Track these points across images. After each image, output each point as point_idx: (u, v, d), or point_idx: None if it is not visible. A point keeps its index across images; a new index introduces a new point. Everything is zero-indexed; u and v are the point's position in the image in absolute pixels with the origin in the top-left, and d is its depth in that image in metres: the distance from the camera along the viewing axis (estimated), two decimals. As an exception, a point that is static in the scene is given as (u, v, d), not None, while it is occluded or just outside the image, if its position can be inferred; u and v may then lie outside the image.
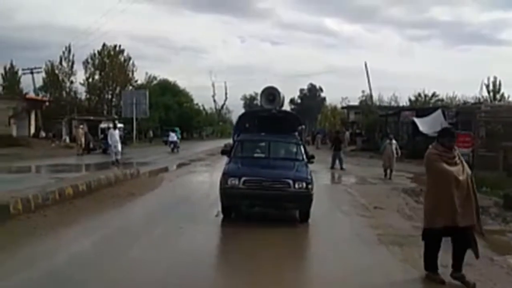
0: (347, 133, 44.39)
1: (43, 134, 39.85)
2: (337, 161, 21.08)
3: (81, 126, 30.64)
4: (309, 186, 8.53)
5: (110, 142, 21.37)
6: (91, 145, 30.11)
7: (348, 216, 10.14)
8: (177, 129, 38.42)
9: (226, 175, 8.69)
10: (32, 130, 40.07)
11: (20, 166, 19.58)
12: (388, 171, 17.88)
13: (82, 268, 5.81)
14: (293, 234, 8.28)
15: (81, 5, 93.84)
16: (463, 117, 24.22)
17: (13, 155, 25.36)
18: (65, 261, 6.13)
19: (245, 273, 5.88)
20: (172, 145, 33.51)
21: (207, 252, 6.89)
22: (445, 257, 6.75)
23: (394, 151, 17.88)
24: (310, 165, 9.84)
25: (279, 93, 12.19)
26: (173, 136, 34.13)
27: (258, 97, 12.94)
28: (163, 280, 5.45)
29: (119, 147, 21.24)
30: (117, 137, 21.22)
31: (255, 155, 10.12)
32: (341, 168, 20.50)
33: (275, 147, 10.09)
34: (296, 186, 8.43)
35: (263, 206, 9.07)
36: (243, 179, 8.46)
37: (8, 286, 5.11)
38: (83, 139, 28.62)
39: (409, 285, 5.72)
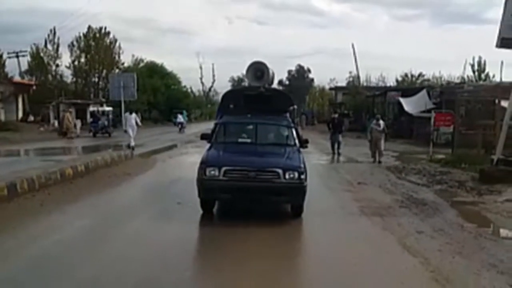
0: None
1: (31, 118, 39.85)
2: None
3: (70, 110, 30.75)
4: (302, 176, 7.40)
5: (126, 127, 20.39)
6: (77, 129, 30.33)
7: (334, 191, 10.79)
8: (184, 111, 43.13)
9: (203, 164, 7.49)
10: (20, 114, 40.01)
11: (13, 150, 19.90)
12: (377, 154, 16.67)
13: (89, 239, 6.41)
14: (280, 207, 8.31)
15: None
16: (447, 97, 24.92)
17: (2, 139, 25.49)
18: (72, 233, 6.72)
19: (236, 240, 6.46)
20: (179, 126, 37.43)
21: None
22: (420, 224, 7.50)
23: (382, 132, 16.73)
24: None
25: (268, 68, 10.74)
26: (180, 118, 38.74)
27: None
28: (165, 248, 6.03)
29: (135, 132, 20.28)
30: (133, 122, 20.12)
31: (240, 140, 8.85)
32: (338, 153, 18.68)
33: (263, 131, 8.90)
34: (287, 176, 7.30)
35: (247, 201, 7.83)
36: (223, 169, 7.29)
37: (25, 254, 5.64)
38: (72, 123, 28.79)
39: (388, 247, 6.34)
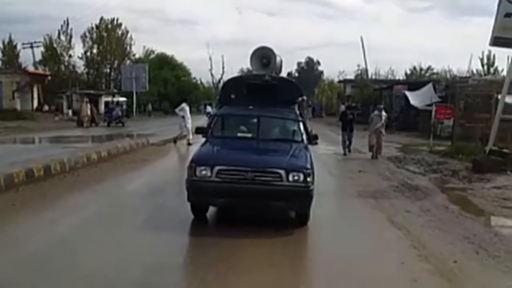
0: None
1: (46, 107, 41.12)
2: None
3: (86, 100, 31.85)
4: (308, 179, 6.37)
5: (184, 118, 19.32)
6: (95, 119, 31.48)
7: (336, 178, 11.78)
8: (212, 103, 45.59)
9: (193, 162, 6.51)
10: (35, 104, 41.27)
11: (34, 138, 21.06)
12: (374, 149, 15.49)
13: (120, 210, 7.50)
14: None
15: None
16: (453, 91, 25.59)
17: (21, 127, 26.72)
18: (105, 205, 7.81)
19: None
20: (209, 115, 39.46)
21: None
22: (410, 205, 8.43)
23: (382, 125, 15.54)
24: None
25: (275, 55, 9.62)
26: (209, 109, 42.43)
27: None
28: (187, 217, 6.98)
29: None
30: (189, 114, 19.47)
31: (239, 134, 7.78)
32: (349, 151, 16.66)
33: (266, 125, 7.80)
34: (290, 178, 6.31)
35: (243, 206, 6.90)
36: (216, 168, 6.32)
37: (69, 222, 6.67)
38: (89, 112, 29.91)
39: (377, 222, 7.32)
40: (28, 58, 52.80)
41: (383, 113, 15.98)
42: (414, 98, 30.35)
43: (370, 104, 42.56)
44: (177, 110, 20.32)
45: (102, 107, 39.45)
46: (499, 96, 13.39)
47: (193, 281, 4.81)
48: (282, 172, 6.32)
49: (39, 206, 7.52)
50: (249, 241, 5.95)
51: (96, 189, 9.05)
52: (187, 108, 19.92)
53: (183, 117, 19.15)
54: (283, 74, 15.92)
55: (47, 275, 4.73)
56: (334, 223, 7.28)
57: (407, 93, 31.66)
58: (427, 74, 48.18)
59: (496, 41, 12.13)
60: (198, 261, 5.25)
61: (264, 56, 9.65)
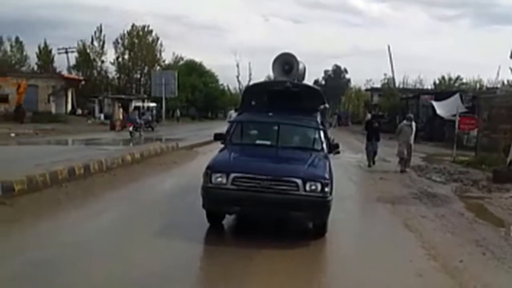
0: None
1: (79, 111, 42.75)
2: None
3: (119, 105, 33.07)
4: (326, 189, 6.26)
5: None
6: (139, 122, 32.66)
7: (357, 184, 12.21)
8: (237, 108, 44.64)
9: (209, 169, 6.47)
10: (69, 108, 42.93)
11: (69, 140, 22.18)
12: (404, 161, 14.53)
13: (158, 205, 8.25)
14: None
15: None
16: (480, 101, 25.58)
17: (56, 130, 28.03)
18: (141, 202, 8.54)
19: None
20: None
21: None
22: (426, 211, 8.83)
23: (412, 137, 14.69)
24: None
25: (297, 61, 9.34)
26: (233, 115, 40.61)
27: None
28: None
29: None
30: None
31: (258, 142, 7.69)
32: (373, 162, 15.67)
33: (286, 132, 7.65)
34: (307, 187, 6.21)
35: (258, 215, 6.78)
36: (232, 175, 6.27)
37: (108, 217, 7.39)
38: (121, 116, 31.07)
39: (393, 225, 7.78)
40: (62, 63, 54.96)
41: (413, 123, 15.05)
42: (441, 108, 30.34)
43: (397, 113, 42.66)
44: (227, 118, 20.69)
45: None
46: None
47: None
48: (299, 181, 6.22)
49: (81, 202, 8.30)
50: (265, 251, 5.86)
51: (130, 188, 9.87)
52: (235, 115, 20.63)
53: None
54: (309, 81, 15.12)
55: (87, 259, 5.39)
56: (352, 226, 7.77)
57: (434, 103, 31.69)
58: (456, 84, 47.78)
59: (517, 55, 12.39)
60: (212, 270, 5.45)
61: (286, 63, 9.34)
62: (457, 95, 30.75)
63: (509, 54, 12.55)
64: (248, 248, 5.96)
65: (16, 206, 7.34)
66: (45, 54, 56.19)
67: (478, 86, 43.20)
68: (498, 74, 43.56)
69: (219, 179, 6.32)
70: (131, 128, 23.66)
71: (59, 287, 4.66)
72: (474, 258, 5.97)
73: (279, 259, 5.71)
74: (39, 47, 55.68)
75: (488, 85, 40.09)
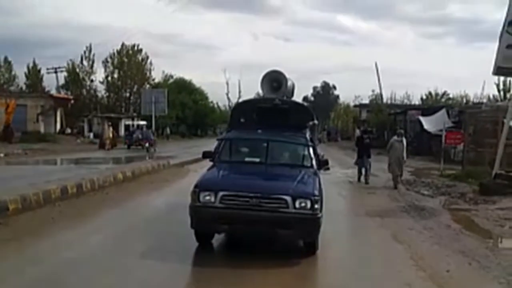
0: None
1: (68, 130, 42.67)
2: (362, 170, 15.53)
3: (108, 123, 33.13)
4: (316, 206, 6.19)
5: None
6: (115, 141, 32.70)
7: (346, 198, 12.42)
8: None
9: (197, 188, 6.41)
10: (58, 127, 42.81)
11: (59, 159, 22.17)
12: (398, 179, 14.57)
13: (149, 224, 8.33)
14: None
15: (91, 3, 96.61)
16: (466, 116, 26.10)
17: (46, 149, 27.94)
18: (135, 220, 8.64)
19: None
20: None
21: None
22: (414, 223, 9.03)
23: (404, 152, 14.61)
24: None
25: (286, 78, 9.36)
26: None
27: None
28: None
29: None
30: None
31: (247, 159, 7.71)
32: (366, 182, 15.26)
33: (275, 149, 7.65)
34: (297, 205, 6.14)
35: (248, 234, 6.67)
36: (220, 194, 6.19)
37: (102, 235, 7.48)
38: (111, 135, 31.10)
39: (381, 237, 7.97)
40: (51, 82, 54.94)
41: (404, 139, 14.98)
42: (428, 123, 30.85)
43: (385, 129, 43.25)
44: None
45: (122, 130, 40.74)
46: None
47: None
48: (288, 198, 6.13)
49: (75, 221, 8.33)
50: (254, 271, 5.80)
51: (123, 207, 9.92)
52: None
53: None
54: (298, 97, 15.91)
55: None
56: (341, 239, 7.90)
57: (421, 118, 32.23)
58: (443, 100, 48.66)
59: (499, 71, 12.85)
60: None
61: (274, 80, 9.41)
62: (443, 110, 31.35)
63: (491, 71, 12.91)
64: (238, 268, 5.90)
65: (11, 225, 7.43)
66: (34, 74, 56.21)
67: (464, 101, 44.01)
68: (483, 89, 44.76)
69: (207, 198, 6.25)
70: (147, 145, 27.11)
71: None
72: (460, 268, 6.17)
73: (271, 275, 5.74)
74: (27, 67, 55.80)
75: (475, 100, 40.88)
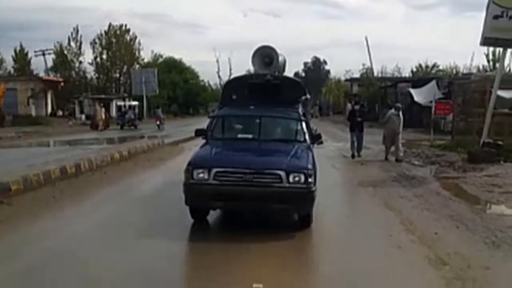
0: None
1: (60, 113, 42.49)
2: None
3: (100, 104, 33.05)
4: (309, 180, 6.24)
5: None
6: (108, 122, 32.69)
7: (339, 170, 12.73)
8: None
9: (190, 165, 6.43)
10: (49, 110, 42.60)
11: (54, 141, 22.26)
12: (392, 149, 14.72)
13: (147, 200, 8.49)
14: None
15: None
16: (455, 87, 26.38)
17: (39, 132, 27.89)
18: (133, 197, 8.84)
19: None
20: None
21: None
22: (404, 192, 9.36)
23: (401, 127, 14.63)
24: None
25: (277, 54, 9.34)
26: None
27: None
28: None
29: None
30: None
31: (240, 135, 7.70)
32: (358, 155, 15.35)
33: (268, 125, 7.68)
34: (291, 179, 6.18)
35: (242, 210, 6.79)
36: (214, 170, 6.23)
37: (101, 213, 7.71)
38: (103, 116, 31.08)
39: (374, 205, 8.30)
40: (39, 65, 54.28)
41: (401, 113, 14.91)
42: (418, 95, 31.14)
43: (376, 102, 43.55)
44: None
45: (113, 111, 40.64)
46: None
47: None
48: (282, 173, 6.17)
49: (76, 199, 8.57)
50: (250, 245, 5.86)
51: (121, 184, 10.17)
52: None
53: None
54: (289, 73, 15.40)
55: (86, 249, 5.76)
56: (335, 209, 8.21)
57: (412, 91, 32.50)
58: (433, 71, 48.77)
59: (486, 41, 13.04)
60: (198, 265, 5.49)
61: (266, 55, 9.29)
62: (433, 82, 31.60)
63: (479, 41, 13.10)
64: (234, 242, 5.97)
65: (14, 205, 7.63)
66: (21, 57, 55.35)
67: (454, 72, 44.20)
68: (472, 60, 45.02)
69: (201, 175, 6.27)
70: (158, 122, 31.13)
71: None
72: (448, 231, 6.50)
73: (267, 249, 5.83)
74: (15, 50, 54.90)
75: (464, 71, 41.11)
